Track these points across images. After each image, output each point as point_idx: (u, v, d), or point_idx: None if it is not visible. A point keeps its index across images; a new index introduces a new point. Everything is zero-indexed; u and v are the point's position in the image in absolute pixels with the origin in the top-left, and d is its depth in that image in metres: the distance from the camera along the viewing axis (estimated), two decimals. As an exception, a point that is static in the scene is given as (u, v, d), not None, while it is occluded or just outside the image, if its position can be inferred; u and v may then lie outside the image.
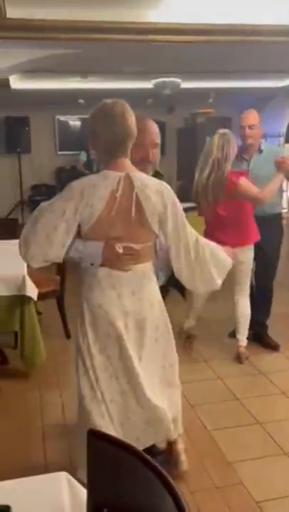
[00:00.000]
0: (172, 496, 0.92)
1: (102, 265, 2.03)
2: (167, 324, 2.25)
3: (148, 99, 7.92)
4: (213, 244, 2.25)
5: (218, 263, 2.21)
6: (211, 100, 8.02)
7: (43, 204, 1.99)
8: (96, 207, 1.93)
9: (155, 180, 2.09)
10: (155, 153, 2.31)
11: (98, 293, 2.06)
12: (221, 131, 3.51)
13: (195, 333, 3.95)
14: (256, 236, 3.55)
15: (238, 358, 3.69)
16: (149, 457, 1.00)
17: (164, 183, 2.10)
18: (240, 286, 3.64)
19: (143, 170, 2.11)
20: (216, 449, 2.66)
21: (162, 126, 9.53)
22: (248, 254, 3.54)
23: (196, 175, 3.55)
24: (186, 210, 5.65)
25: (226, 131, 3.52)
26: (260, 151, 3.73)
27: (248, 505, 2.24)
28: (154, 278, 2.19)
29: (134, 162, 2.07)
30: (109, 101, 2.00)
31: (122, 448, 1.05)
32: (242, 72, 6.59)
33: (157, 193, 2.03)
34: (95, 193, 1.93)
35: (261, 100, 9.04)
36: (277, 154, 3.55)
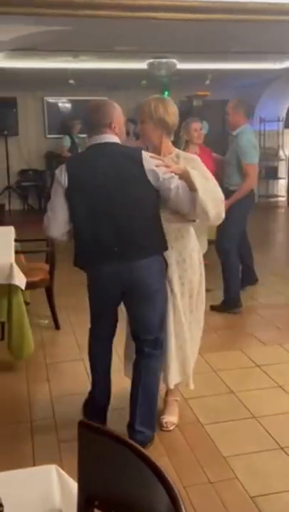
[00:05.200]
0: (165, 486, 0.90)
1: None
2: None
3: (142, 81, 7.72)
4: None
5: None
6: (208, 82, 7.81)
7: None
8: None
9: None
10: None
11: None
12: None
13: None
14: None
15: None
16: (141, 448, 0.99)
17: None
18: None
19: None
20: (209, 444, 2.62)
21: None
22: None
23: None
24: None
25: None
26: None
27: (242, 500, 2.21)
28: None
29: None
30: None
31: (113, 439, 1.04)
32: (241, 53, 6.41)
33: None
34: None
35: (260, 83, 8.85)
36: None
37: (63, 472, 1.28)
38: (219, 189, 2.45)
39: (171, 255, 2.50)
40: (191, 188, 2.29)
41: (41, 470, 1.32)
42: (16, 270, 3.15)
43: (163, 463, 2.39)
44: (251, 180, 4.27)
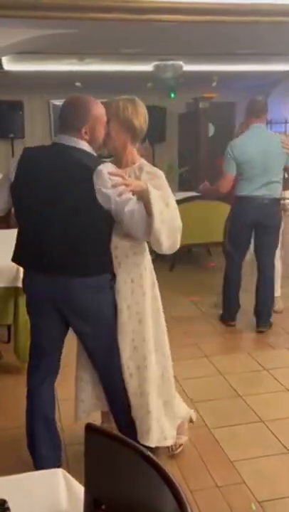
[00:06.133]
0: (172, 490, 0.90)
1: None
2: None
3: (148, 83, 7.70)
4: None
5: None
6: (214, 84, 7.76)
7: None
8: None
9: None
10: None
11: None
12: None
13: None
14: None
15: None
16: (148, 451, 0.97)
17: None
18: None
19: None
20: (216, 448, 2.61)
21: (163, 112, 9.41)
22: None
23: None
24: (188, 199, 5.64)
25: None
26: None
27: (249, 504, 2.20)
28: None
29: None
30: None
31: (119, 442, 1.04)
32: (246, 55, 6.40)
33: None
34: None
35: (267, 85, 8.84)
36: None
37: (70, 476, 1.28)
38: (178, 215, 2.15)
39: (118, 273, 2.21)
40: (148, 210, 2.04)
41: (48, 474, 1.33)
42: (23, 273, 3.14)
43: (170, 467, 2.38)
44: (218, 187, 3.94)
